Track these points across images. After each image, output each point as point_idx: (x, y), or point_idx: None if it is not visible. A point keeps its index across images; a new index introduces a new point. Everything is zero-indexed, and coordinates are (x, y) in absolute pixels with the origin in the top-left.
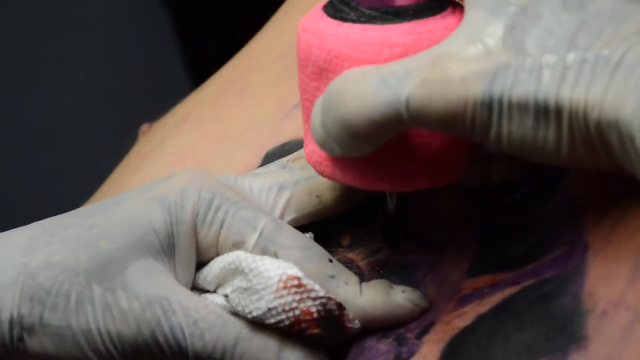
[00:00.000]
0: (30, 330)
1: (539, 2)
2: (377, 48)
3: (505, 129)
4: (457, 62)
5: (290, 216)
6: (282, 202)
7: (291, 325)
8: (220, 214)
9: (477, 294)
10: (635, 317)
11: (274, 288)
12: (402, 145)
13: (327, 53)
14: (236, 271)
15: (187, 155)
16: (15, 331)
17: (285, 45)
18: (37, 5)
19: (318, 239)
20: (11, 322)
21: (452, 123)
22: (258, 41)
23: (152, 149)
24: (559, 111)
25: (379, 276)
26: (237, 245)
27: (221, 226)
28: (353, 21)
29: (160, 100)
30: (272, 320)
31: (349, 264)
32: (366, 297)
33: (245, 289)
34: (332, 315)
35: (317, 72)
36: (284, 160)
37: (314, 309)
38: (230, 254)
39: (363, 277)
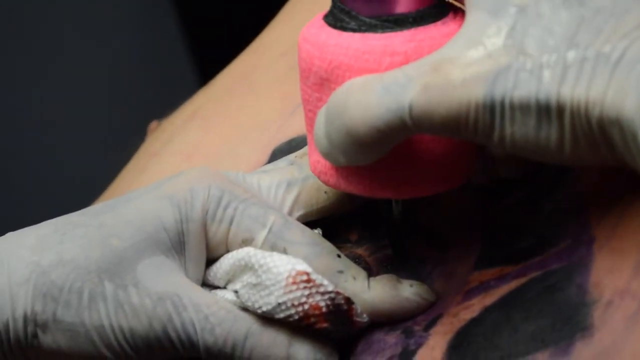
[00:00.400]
0: (44, 326)
1: (539, 1)
2: (378, 57)
3: (508, 131)
4: (458, 66)
5: (299, 212)
6: (290, 198)
7: (300, 319)
8: (229, 211)
9: (484, 287)
10: None
11: (283, 283)
12: (405, 153)
13: (329, 63)
14: (246, 267)
15: (194, 153)
16: (29, 328)
17: (291, 42)
18: (47, 7)
19: (326, 235)
20: (25, 319)
21: (455, 127)
22: (264, 38)
23: (160, 147)
24: (560, 110)
25: (387, 271)
26: (247, 242)
27: (230, 223)
28: (353, 30)
29: (168, 98)
30: (282, 315)
31: (356, 260)
32: (374, 292)
33: (255, 285)
34: (340, 309)
35: (319, 82)
36: (291, 156)
37: (322, 304)
38: (240, 250)
39: (371, 272)
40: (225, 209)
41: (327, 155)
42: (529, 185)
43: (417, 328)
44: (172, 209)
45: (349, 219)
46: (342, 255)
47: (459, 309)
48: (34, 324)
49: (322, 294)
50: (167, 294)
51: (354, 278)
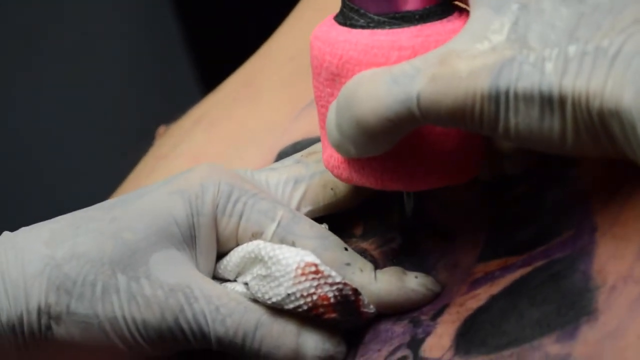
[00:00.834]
0: (58, 318)
1: None
2: (386, 51)
3: (512, 121)
4: (464, 58)
5: (306, 208)
6: (298, 195)
7: (309, 310)
8: (239, 206)
9: (489, 277)
10: None
11: (292, 275)
12: (416, 146)
13: (339, 59)
14: (256, 260)
15: (201, 155)
16: (43, 320)
17: (297, 48)
18: (56, 16)
19: (332, 230)
20: (39, 311)
21: (461, 117)
22: (271, 44)
23: (168, 150)
24: (562, 101)
25: (392, 264)
26: (256, 236)
27: (240, 217)
28: (362, 27)
29: (175, 104)
30: (291, 306)
31: (362, 253)
32: (380, 283)
33: (265, 277)
34: (348, 300)
35: (330, 78)
36: (298, 155)
37: (330, 294)
38: (250, 243)
39: (377, 265)
40: (235, 203)
41: (338, 147)
42: (532, 179)
43: (424, 318)
44: (183, 204)
45: (354, 214)
46: (349, 249)
47: (465, 299)
48: (48, 316)
49: (330, 285)
50: (179, 285)
51: (361, 270)
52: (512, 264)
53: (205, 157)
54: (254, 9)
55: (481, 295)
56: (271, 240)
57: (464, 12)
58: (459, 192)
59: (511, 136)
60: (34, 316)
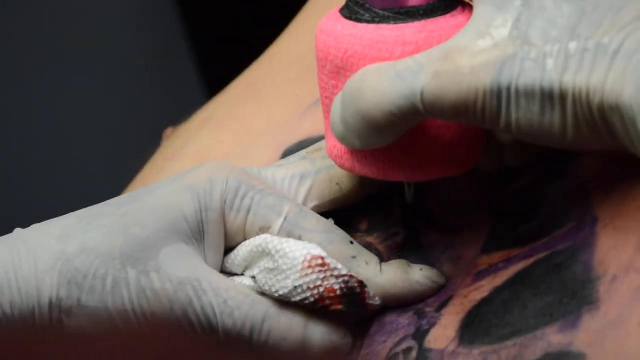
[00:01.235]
0: (69, 312)
1: None
2: (391, 46)
3: (513, 116)
4: (467, 55)
5: (312, 203)
6: (304, 190)
7: (316, 302)
8: (246, 201)
9: (493, 269)
10: None
11: (299, 267)
12: (417, 137)
13: (344, 52)
14: (263, 253)
15: (207, 156)
16: (55, 313)
17: (302, 51)
18: (67, 23)
19: (338, 225)
20: (50, 305)
21: (464, 112)
22: (276, 47)
23: (175, 151)
24: (563, 97)
25: (397, 258)
26: (264, 230)
27: (248, 212)
28: (368, 22)
29: (180, 107)
30: (298, 298)
31: (368, 248)
32: (386, 276)
33: (272, 270)
34: (354, 292)
35: (335, 71)
36: (303, 152)
37: (337, 287)
38: (257, 237)
39: (382, 259)
40: (243, 198)
41: (342, 139)
42: (534, 172)
43: (429, 309)
44: (192, 199)
45: (359, 209)
46: (354, 242)
47: (469, 291)
48: (59, 310)
49: (337, 277)
50: (188, 279)
51: (367, 263)
52: (515, 256)
53: (211, 158)
54: (258, 13)
55: (485, 287)
56: (278, 235)
57: (468, 8)
58: (462, 186)
59: (513, 130)
60: (46, 310)
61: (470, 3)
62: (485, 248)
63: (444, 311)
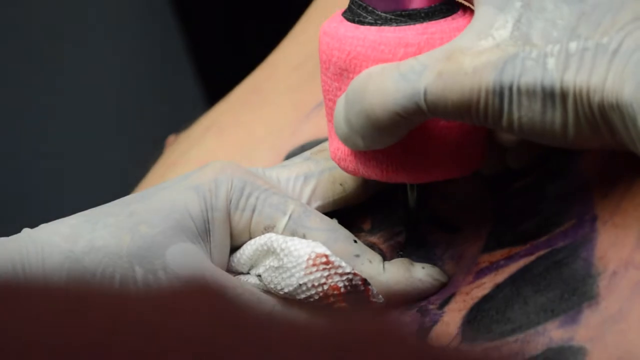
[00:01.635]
0: None
1: None
2: (393, 48)
3: (515, 115)
4: (469, 55)
5: (316, 203)
6: (308, 190)
7: (320, 299)
8: (251, 200)
9: (494, 267)
10: None
11: (303, 265)
12: (420, 139)
13: (347, 54)
14: (268, 252)
15: (210, 160)
16: None
17: (302, 57)
18: (64, 34)
19: (341, 224)
20: None
21: (467, 111)
22: (277, 54)
23: (178, 157)
24: (564, 95)
25: (400, 256)
26: (269, 229)
27: (253, 211)
28: (370, 24)
29: (184, 114)
30: (303, 296)
31: (371, 247)
32: (389, 274)
33: (277, 268)
34: (357, 290)
35: (338, 72)
36: (307, 153)
37: (341, 284)
38: (262, 236)
39: (385, 258)
40: (248, 198)
41: (346, 140)
42: (534, 172)
43: (431, 307)
44: (198, 199)
45: (363, 209)
46: (358, 241)
47: (471, 288)
48: None
49: (341, 275)
50: (194, 277)
51: (370, 261)
52: (516, 254)
53: None
54: (258, 22)
55: (486, 284)
56: (283, 233)
57: (468, 10)
58: (464, 186)
59: (514, 129)
60: None
61: (471, 6)
62: (486, 246)
63: (446, 308)
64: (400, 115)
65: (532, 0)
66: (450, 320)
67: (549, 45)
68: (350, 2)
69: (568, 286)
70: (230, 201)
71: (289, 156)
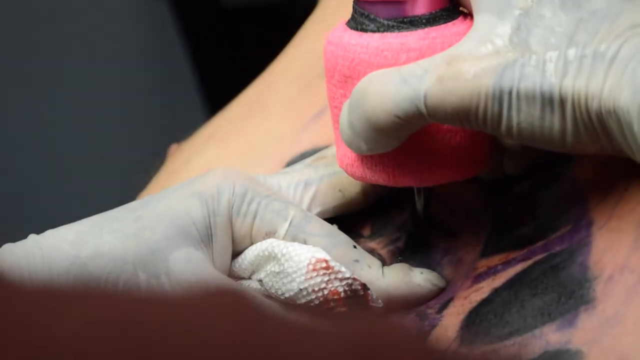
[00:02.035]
0: None
1: (540, 4)
2: (396, 53)
3: (514, 120)
4: (469, 61)
5: (316, 209)
6: (308, 196)
7: (320, 304)
8: (253, 206)
9: (492, 271)
10: (639, 279)
11: (304, 270)
12: (424, 142)
13: (351, 61)
14: (269, 257)
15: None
16: None
17: (301, 68)
18: (68, 43)
19: (341, 230)
20: None
21: (466, 116)
22: (276, 66)
23: (180, 166)
24: (562, 101)
25: (399, 262)
26: (270, 235)
27: (254, 217)
28: (373, 31)
29: (186, 124)
30: (303, 301)
31: (370, 252)
32: (388, 279)
33: (278, 273)
34: (357, 294)
35: (343, 80)
36: (307, 160)
37: (341, 289)
38: (264, 242)
39: (384, 263)
40: (249, 204)
41: (350, 143)
42: (531, 178)
43: (430, 311)
44: (200, 205)
45: (362, 216)
46: (357, 246)
47: (469, 292)
48: None
49: (340, 280)
50: (197, 282)
51: (369, 266)
52: (513, 259)
53: None
54: (257, 33)
55: (484, 289)
56: (284, 239)
57: (469, 17)
58: (462, 192)
59: (513, 134)
60: None
61: (471, 13)
62: (484, 251)
63: (444, 312)
64: (400, 118)
65: (530, 8)
66: (448, 324)
67: (547, 52)
68: (353, 11)
69: (565, 290)
70: (232, 207)
71: (289, 164)
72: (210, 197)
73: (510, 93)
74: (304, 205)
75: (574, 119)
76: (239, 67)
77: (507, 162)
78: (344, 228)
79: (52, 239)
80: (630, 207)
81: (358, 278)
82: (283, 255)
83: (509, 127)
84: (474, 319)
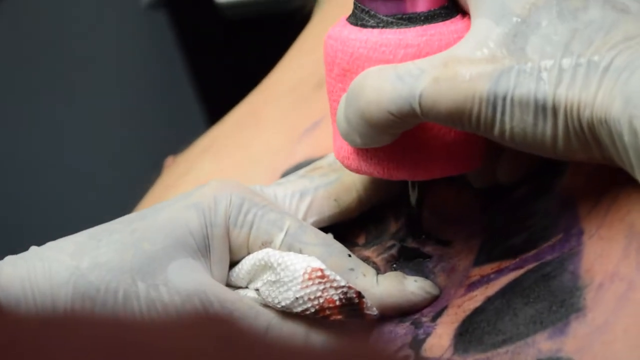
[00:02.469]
0: None
1: (538, 13)
2: (394, 49)
3: (507, 125)
4: (465, 64)
5: (311, 219)
6: (304, 206)
7: (316, 312)
8: (249, 217)
9: (485, 280)
10: (629, 287)
11: (300, 279)
12: (420, 135)
13: (350, 56)
14: (265, 266)
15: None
16: None
17: (295, 81)
18: (67, 57)
19: (336, 239)
20: None
21: (459, 118)
22: (271, 79)
23: (175, 179)
24: (555, 109)
25: (393, 270)
26: (266, 244)
27: (251, 227)
28: (372, 27)
29: (180, 138)
30: (299, 309)
31: (365, 261)
32: (382, 287)
33: (274, 282)
34: (352, 302)
35: (342, 74)
36: (302, 171)
37: (336, 297)
38: (260, 251)
39: (379, 271)
40: (246, 214)
41: (346, 136)
42: (524, 188)
43: (424, 319)
44: (197, 216)
45: (357, 225)
46: (352, 255)
47: (462, 301)
48: None
49: (336, 288)
50: (195, 291)
51: (364, 275)
52: (506, 267)
53: None
54: (257, 45)
55: (477, 297)
56: (280, 248)
57: (467, 15)
58: (456, 201)
59: (506, 139)
60: None
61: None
62: (477, 260)
63: (439, 321)
64: (394, 115)
65: (528, 16)
66: (443, 333)
67: (543, 60)
68: (354, 7)
69: (556, 298)
70: (229, 218)
71: (284, 175)
72: (208, 208)
73: (504, 99)
74: (300, 215)
75: (566, 126)
76: (238, 79)
77: (500, 170)
78: (338, 237)
79: (53, 250)
80: (619, 216)
81: (353, 286)
82: (279, 264)
83: (502, 132)
84: (468, 327)
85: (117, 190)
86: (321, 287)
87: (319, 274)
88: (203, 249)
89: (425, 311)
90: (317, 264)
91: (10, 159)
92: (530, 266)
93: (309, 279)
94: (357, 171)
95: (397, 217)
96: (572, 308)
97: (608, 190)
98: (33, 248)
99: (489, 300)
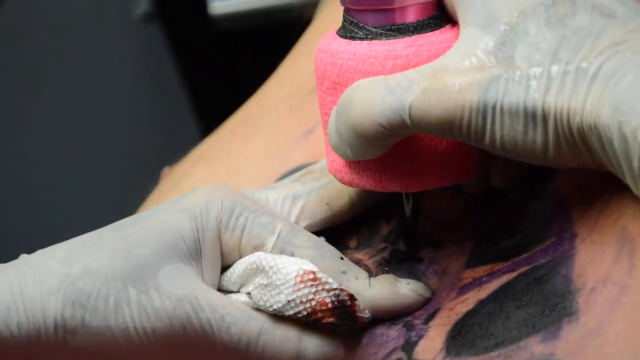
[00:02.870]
0: (73, 332)
1: (526, 21)
2: (383, 60)
3: (498, 134)
4: (454, 74)
5: (304, 223)
6: (296, 210)
7: (308, 315)
8: (241, 220)
9: (477, 283)
10: (621, 290)
11: (292, 282)
12: (411, 147)
13: (339, 68)
14: (257, 270)
15: None
16: (60, 333)
17: (289, 91)
18: (64, 66)
19: (328, 242)
20: (55, 325)
21: (450, 128)
22: (265, 88)
23: (171, 187)
24: (545, 117)
25: (385, 272)
26: (258, 248)
27: (242, 231)
28: (361, 39)
29: (179, 147)
30: (291, 312)
31: (357, 263)
32: (374, 290)
33: (266, 285)
34: (344, 305)
35: (332, 86)
36: (295, 175)
37: (328, 300)
38: (252, 255)
39: (371, 274)
40: (237, 218)
41: (337, 149)
42: (517, 191)
43: (417, 322)
44: (189, 220)
45: (348, 228)
46: (344, 258)
47: (455, 303)
48: (64, 330)
49: (328, 290)
50: (186, 296)
51: (356, 278)
52: (498, 270)
53: None
54: (251, 56)
55: (470, 300)
56: (272, 252)
57: (456, 25)
58: (448, 204)
59: (497, 147)
60: (51, 330)
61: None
62: (469, 262)
63: (431, 323)
64: (385, 127)
65: (516, 24)
66: (435, 335)
67: (531, 68)
68: (343, 19)
69: (549, 302)
70: (221, 221)
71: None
72: (199, 212)
73: (494, 107)
74: (292, 219)
75: (556, 133)
76: (233, 89)
77: (494, 175)
78: (330, 240)
79: (43, 258)
80: (611, 221)
81: (345, 289)
82: (271, 267)
83: (492, 140)
84: (460, 330)
85: (115, 202)
86: (313, 289)
87: (311, 276)
88: (194, 254)
89: (417, 313)
90: (309, 266)
91: (6, 171)
92: (523, 269)
93: (301, 281)
94: (350, 184)
95: (389, 220)
96: (564, 312)
97: (600, 194)
98: (23, 256)
99: (481, 303)
